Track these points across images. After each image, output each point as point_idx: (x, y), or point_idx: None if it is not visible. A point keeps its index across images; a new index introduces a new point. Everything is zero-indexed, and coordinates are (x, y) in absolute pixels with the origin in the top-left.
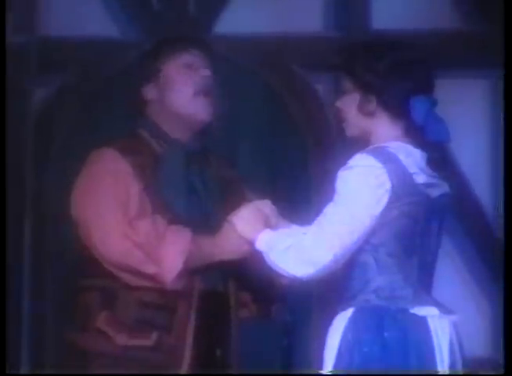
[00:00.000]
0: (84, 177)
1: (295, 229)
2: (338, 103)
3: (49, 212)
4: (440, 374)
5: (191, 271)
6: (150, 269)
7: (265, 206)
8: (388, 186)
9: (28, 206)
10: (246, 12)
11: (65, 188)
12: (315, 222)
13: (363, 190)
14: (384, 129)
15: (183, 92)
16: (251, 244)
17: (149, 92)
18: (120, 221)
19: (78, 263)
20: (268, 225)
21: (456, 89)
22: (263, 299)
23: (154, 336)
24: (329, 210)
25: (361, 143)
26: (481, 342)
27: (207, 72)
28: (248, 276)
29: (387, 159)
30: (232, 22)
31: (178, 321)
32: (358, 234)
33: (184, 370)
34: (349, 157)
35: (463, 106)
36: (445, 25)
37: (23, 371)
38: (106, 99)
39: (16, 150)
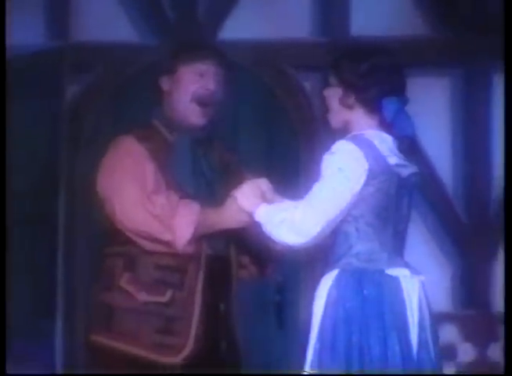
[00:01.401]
0: (108, 160)
1: (288, 204)
2: (325, 92)
3: (80, 189)
4: (441, 374)
5: (199, 238)
6: (166, 236)
7: (263, 183)
8: (366, 166)
9: (62, 184)
10: (246, 20)
11: (93, 168)
12: (305, 199)
13: (345, 171)
14: (361, 120)
15: (182, 98)
16: (250, 215)
17: (165, 84)
18: (139, 195)
19: (104, 233)
20: (264, 199)
21: (422, 87)
22: (260, 262)
23: (168, 293)
24: (316, 188)
25: (342, 131)
26: (444, 299)
27: (212, 86)
28: (247, 242)
29: (364, 144)
30: (234, 28)
31: (188, 281)
32: (340, 208)
33: (194, 321)
34: (332, 142)
35: (428, 102)
36: (412, 32)
37: (57, 327)
38: (127, 95)
39: (52, 137)
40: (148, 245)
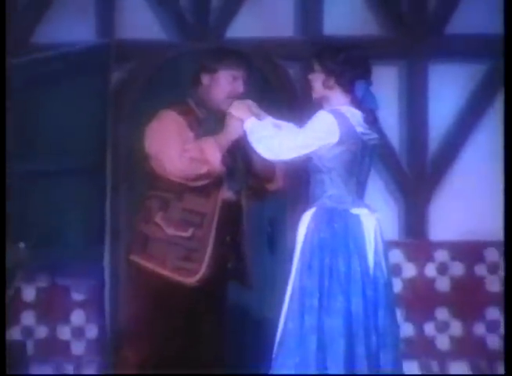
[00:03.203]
0: (154, 127)
1: (272, 125)
2: (310, 77)
3: (122, 148)
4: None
5: (224, 156)
6: (203, 168)
7: (250, 102)
8: (338, 132)
9: (108, 144)
10: (247, 22)
11: (131, 132)
12: (287, 130)
13: (320, 131)
14: (338, 98)
15: (222, 93)
16: (242, 122)
17: (205, 79)
18: (180, 150)
19: (144, 181)
20: (252, 113)
21: (375, 75)
22: (262, 182)
23: (190, 230)
24: (299, 130)
25: (321, 105)
26: (391, 230)
27: (241, 89)
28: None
29: (339, 116)
30: (238, 29)
31: (206, 222)
32: (307, 150)
33: (208, 253)
34: (307, 113)
35: (380, 86)
36: (366, 32)
37: (105, 250)
38: (156, 80)
39: (102, 109)
40: (192, 183)
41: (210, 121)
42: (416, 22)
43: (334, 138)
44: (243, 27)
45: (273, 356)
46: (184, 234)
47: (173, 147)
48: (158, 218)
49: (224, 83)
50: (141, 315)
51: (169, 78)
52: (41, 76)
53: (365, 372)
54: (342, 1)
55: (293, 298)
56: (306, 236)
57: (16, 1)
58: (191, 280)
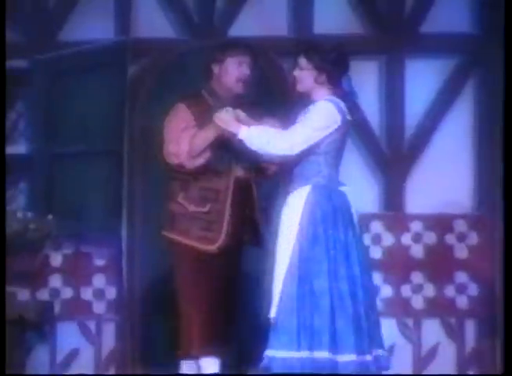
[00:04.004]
0: (168, 118)
1: (269, 129)
2: (295, 73)
3: (138, 134)
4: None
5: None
6: (196, 162)
7: (237, 111)
8: (339, 119)
9: (125, 131)
10: (247, 22)
11: (146, 120)
12: (289, 130)
13: (324, 118)
14: (323, 91)
15: (231, 78)
16: (229, 131)
17: (215, 69)
18: (179, 140)
19: (165, 168)
20: (238, 120)
21: (359, 69)
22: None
23: (208, 205)
24: (298, 126)
25: (308, 97)
26: (372, 204)
27: (247, 71)
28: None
29: (336, 104)
30: (239, 28)
31: (221, 197)
32: (316, 139)
33: (224, 223)
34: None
35: (363, 78)
36: (357, 31)
37: (123, 223)
38: (167, 73)
39: (119, 100)
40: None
41: (220, 106)
42: (394, 22)
43: (336, 124)
44: (244, 27)
45: (273, 315)
46: (203, 209)
47: (171, 138)
48: (180, 198)
49: (232, 69)
50: (188, 279)
51: (179, 72)
52: (67, 70)
53: (366, 329)
54: (330, 5)
55: (294, 264)
56: (306, 210)
57: (45, 4)
58: (212, 248)
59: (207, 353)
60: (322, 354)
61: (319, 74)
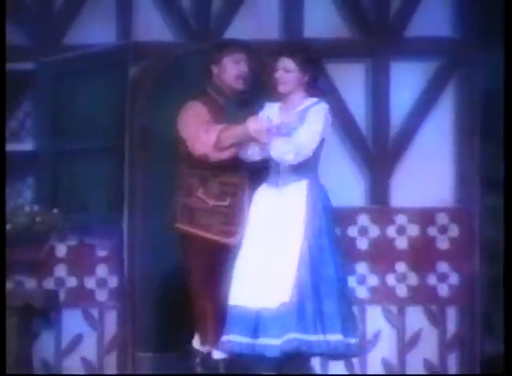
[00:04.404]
0: (185, 115)
1: (287, 139)
2: (278, 75)
3: (138, 132)
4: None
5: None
6: (222, 154)
7: (265, 120)
8: (330, 119)
9: (126, 129)
10: (241, 26)
11: (146, 119)
12: (297, 138)
13: (325, 120)
14: (303, 92)
15: (230, 77)
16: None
17: (214, 69)
18: (197, 132)
19: (183, 161)
20: (267, 129)
21: (347, 70)
22: None
23: (228, 200)
24: (304, 135)
25: (288, 97)
26: (358, 197)
27: (245, 68)
28: None
29: (326, 104)
30: (234, 32)
31: (239, 191)
32: (314, 147)
33: (244, 216)
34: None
35: (350, 79)
36: (345, 35)
37: (124, 217)
38: (166, 75)
39: (120, 100)
40: (213, 162)
41: (230, 106)
42: (380, 27)
43: (328, 124)
44: (238, 30)
45: (288, 298)
46: (224, 203)
47: (193, 131)
48: (200, 193)
49: (230, 67)
50: (203, 273)
51: (176, 73)
52: (71, 72)
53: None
54: (319, 10)
55: (305, 253)
56: (309, 203)
57: (50, 10)
58: (231, 240)
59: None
60: (336, 337)
61: (303, 75)
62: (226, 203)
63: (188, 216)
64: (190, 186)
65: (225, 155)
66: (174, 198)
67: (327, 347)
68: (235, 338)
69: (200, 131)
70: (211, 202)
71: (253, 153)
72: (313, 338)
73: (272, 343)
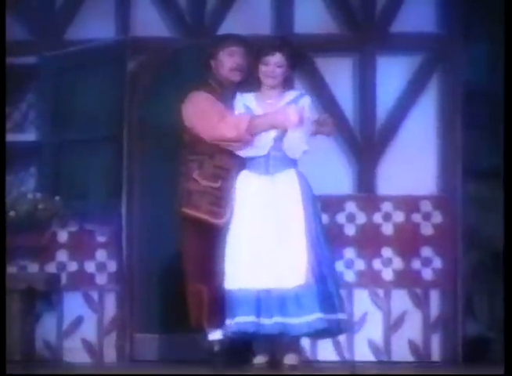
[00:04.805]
0: (191, 104)
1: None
2: (269, 69)
3: (136, 125)
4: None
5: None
6: (234, 133)
7: (303, 110)
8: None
9: (125, 120)
10: (234, 22)
11: (144, 111)
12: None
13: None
14: (288, 84)
15: (226, 69)
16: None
17: (212, 63)
18: (218, 118)
19: (185, 148)
20: (300, 119)
21: (335, 65)
22: None
23: (219, 182)
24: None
25: (274, 90)
26: (347, 186)
27: (239, 60)
28: None
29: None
30: (227, 28)
31: (231, 175)
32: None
33: (232, 198)
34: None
35: (338, 73)
36: (334, 31)
37: (122, 203)
38: (163, 69)
39: (119, 93)
40: (225, 145)
41: (228, 94)
42: (366, 23)
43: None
44: (231, 26)
45: (304, 280)
46: (214, 185)
47: (211, 117)
48: (195, 175)
49: (225, 60)
50: (198, 254)
51: (173, 67)
52: (72, 66)
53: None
54: (309, 6)
55: (308, 235)
56: (303, 190)
57: (52, 7)
58: (220, 221)
59: (216, 327)
60: (340, 316)
61: (289, 69)
62: (217, 184)
63: (187, 199)
64: (189, 170)
65: (250, 141)
66: (179, 184)
67: (331, 325)
68: (243, 319)
69: (228, 117)
70: (203, 182)
71: (252, 149)
72: (332, 317)
73: (294, 322)
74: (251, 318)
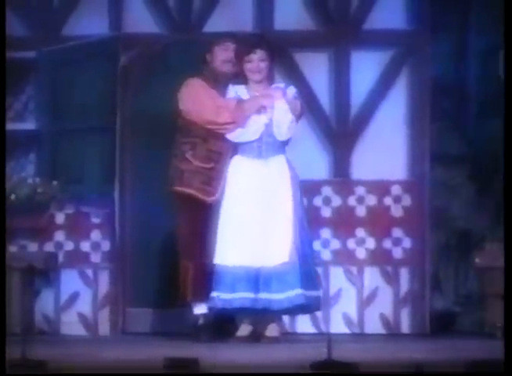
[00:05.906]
0: (187, 90)
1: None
2: (254, 64)
3: (128, 115)
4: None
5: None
6: (228, 118)
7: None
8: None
9: (118, 111)
10: (219, 19)
11: (135, 103)
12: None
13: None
14: (271, 77)
15: (218, 61)
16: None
17: (208, 57)
18: (212, 103)
19: (175, 131)
20: (277, 102)
21: (311, 59)
22: None
23: (211, 163)
24: (291, 115)
25: (260, 84)
26: (323, 172)
27: (231, 54)
28: None
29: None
30: (213, 25)
31: (222, 159)
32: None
33: (222, 179)
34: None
35: (314, 67)
36: (311, 27)
37: (115, 187)
38: (153, 63)
39: (112, 85)
40: (219, 129)
41: (222, 85)
42: (341, 20)
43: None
44: (216, 23)
45: (289, 258)
46: (207, 166)
47: (205, 100)
48: (188, 155)
49: (219, 54)
50: (191, 232)
51: (162, 61)
52: (68, 60)
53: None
54: (288, 4)
55: (295, 216)
56: (293, 174)
57: (50, 5)
58: (210, 198)
59: (200, 300)
60: (317, 293)
61: (271, 63)
62: (210, 165)
63: (179, 178)
64: (182, 151)
65: (243, 123)
66: (171, 165)
67: (309, 301)
68: (230, 295)
69: (219, 100)
70: (196, 163)
71: (244, 134)
72: (314, 293)
73: (277, 298)
74: (238, 294)
